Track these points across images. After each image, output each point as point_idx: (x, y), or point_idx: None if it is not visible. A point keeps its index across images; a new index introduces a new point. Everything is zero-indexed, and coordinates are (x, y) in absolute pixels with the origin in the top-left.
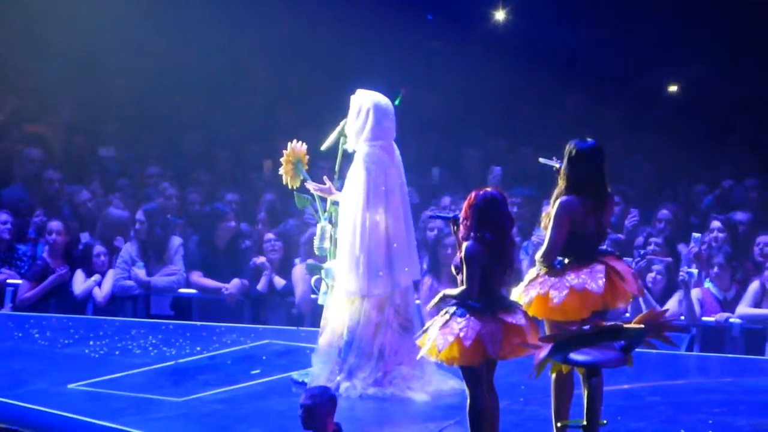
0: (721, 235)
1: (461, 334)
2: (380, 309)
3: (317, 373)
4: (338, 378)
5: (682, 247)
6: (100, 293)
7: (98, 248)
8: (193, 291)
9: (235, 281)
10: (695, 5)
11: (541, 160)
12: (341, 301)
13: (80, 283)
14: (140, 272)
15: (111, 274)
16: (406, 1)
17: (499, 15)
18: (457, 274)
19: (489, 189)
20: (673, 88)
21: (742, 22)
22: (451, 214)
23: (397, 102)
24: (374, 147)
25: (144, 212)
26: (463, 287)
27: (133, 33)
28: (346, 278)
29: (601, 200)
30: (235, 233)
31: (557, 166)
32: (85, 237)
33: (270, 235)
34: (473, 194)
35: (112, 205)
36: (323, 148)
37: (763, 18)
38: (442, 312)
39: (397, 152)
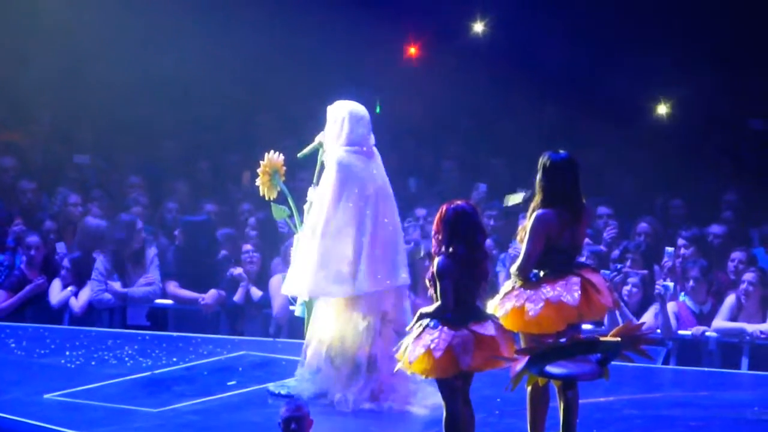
0: (686, 251)
1: (432, 346)
2: (364, 317)
3: (306, 386)
4: (335, 391)
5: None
6: (77, 303)
7: (67, 261)
8: (169, 302)
9: (212, 292)
10: (674, 19)
11: (509, 201)
12: (326, 312)
13: (57, 293)
14: (115, 284)
15: (88, 286)
16: (386, 10)
17: (478, 27)
18: (430, 287)
19: (459, 202)
20: (652, 101)
21: (720, 35)
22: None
23: (377, 110)
24: (348, 152)
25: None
26: (438, 303)
27: (113, 42)
28: (303, 278)
29: (576, 213)
30: (213, 243)
31: (521, 199)
32: (61, 246)
33: (248, 246)
34: (443, 208)
35: (90, 214)
36: (300, 155)
37: (742, 32)
38: (417, 325)
39: (379, 159)
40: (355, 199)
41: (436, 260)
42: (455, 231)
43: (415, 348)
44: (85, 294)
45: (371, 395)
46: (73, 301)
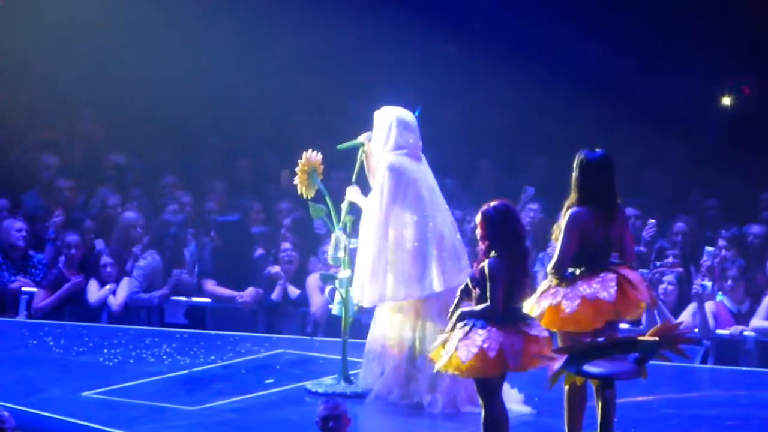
0: (727, 252)
1: (485, 345)
2: (443, 313)
3: (377, 381)
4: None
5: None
6: (115, 301)
7: (105, 259)
8: (207, 300)
9: (250, 290)
10: (709, 18)
11: None
12: (394, 315)
13: (95, 291)
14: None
15: (126, 283)
16: (422, 8)
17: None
18: (474, 287)
19: (496, 202)
20: (686, 98)
21: (757, 36)
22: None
23: (416, 113)
24: (398, 155)
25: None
26: (486, 304)
27: (152, 40)
28: (368, 286)
29: (610, 211)
30: (248, 242)
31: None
32: (99, 244)
33: (286, 245)
34: (483, 209)
35: (128, 211)
36: (339, 147)
37: None
38: (461, 325)
39: (426, 162)
40: (411, 201)
41: (487, 262)
42: (501, 229)
43: (468, 348)
44: (123, 292)
45: (469, 398)
46: (111, 299)
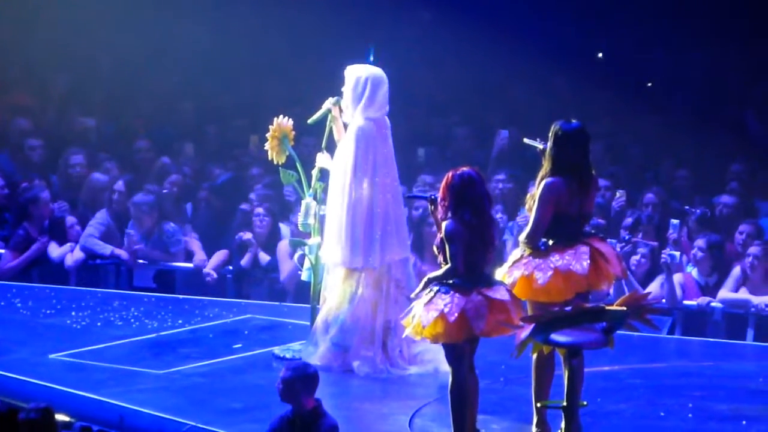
0: (697, 225)
1: (445, 310)
2: (376, 286)
3: (309, 350)
4: (352, 358)
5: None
6: (71, 258)
7: (70, 219)
8: (177, 264)
9: (215, 259)
10: None
11: (526, 140)
12: (336, 278)
13: (56, 249)
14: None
15: (82, 236)
16: None
17: None
18: (439, 253)
19: (465, 168)
20: (659, 70)
21: (731, 5)
22: (428, 194)
23: (370, 57)
24: (368, 120)
25: (124, 183)
26: (447, 266)
27: (124, 5)
28: (332, 249)
29: (585, 182)
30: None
31: (541, 147)
32: (63, 206)
33: (259, 210)
34: (450, 174)
35: (97, 174)
36: (310, 121)
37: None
38: (427, 291)
39: (389, 129)
40: (371, 171)
41: (445, 224)
42: (462, 197)
43: (428, 312)
44: (79, 249)
45: (390, 361)
46: (68, 257)
